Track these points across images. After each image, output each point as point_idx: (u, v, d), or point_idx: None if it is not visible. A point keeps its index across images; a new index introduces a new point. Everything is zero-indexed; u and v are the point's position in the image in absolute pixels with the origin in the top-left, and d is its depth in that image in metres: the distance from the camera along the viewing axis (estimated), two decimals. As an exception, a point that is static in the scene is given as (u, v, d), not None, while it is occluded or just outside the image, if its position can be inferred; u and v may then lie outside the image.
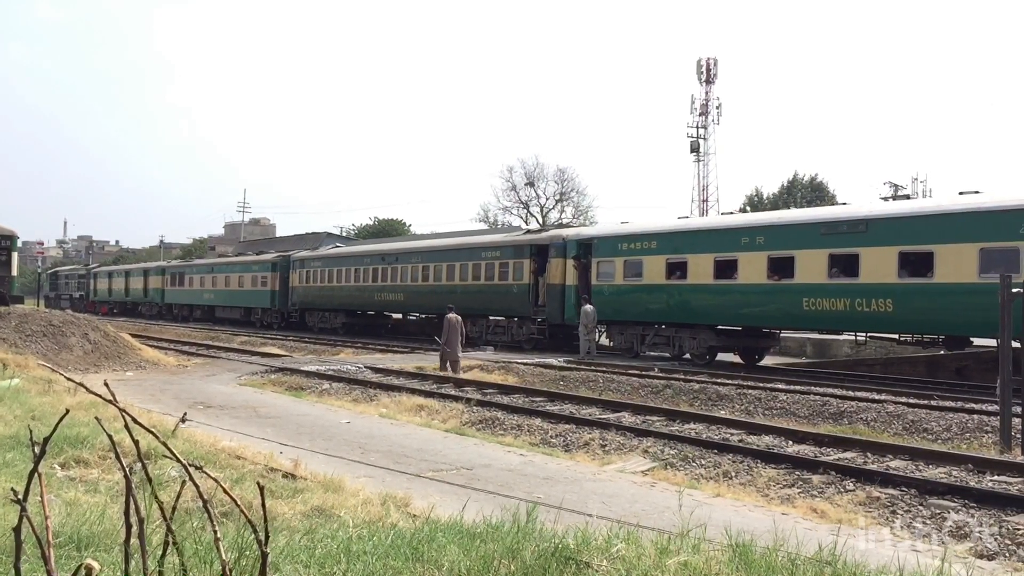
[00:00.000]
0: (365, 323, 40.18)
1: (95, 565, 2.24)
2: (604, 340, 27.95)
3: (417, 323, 39.52)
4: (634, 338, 25.80)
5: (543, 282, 28.76)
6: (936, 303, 18.73)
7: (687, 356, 24.27)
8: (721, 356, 24.94)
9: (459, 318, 22.34)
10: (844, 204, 23.55)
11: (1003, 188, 20.59)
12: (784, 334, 28.70)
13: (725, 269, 23.07)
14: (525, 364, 22.32)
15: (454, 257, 33.35)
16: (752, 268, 22.29)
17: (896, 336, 21.27)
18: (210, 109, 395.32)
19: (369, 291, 38.04)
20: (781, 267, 21.75)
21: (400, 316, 40.80)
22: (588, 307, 25.03)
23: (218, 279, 51.00)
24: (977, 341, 20.14)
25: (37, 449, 2.35)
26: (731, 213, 25.08)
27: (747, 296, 22.49)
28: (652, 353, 25.46)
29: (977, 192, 19.72)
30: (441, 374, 20.55)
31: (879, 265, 19.58)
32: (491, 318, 31.44)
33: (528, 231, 33.90)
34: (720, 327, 23.80)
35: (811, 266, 20.99)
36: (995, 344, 19.32)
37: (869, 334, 21.82)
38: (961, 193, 20.14)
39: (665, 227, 26.60)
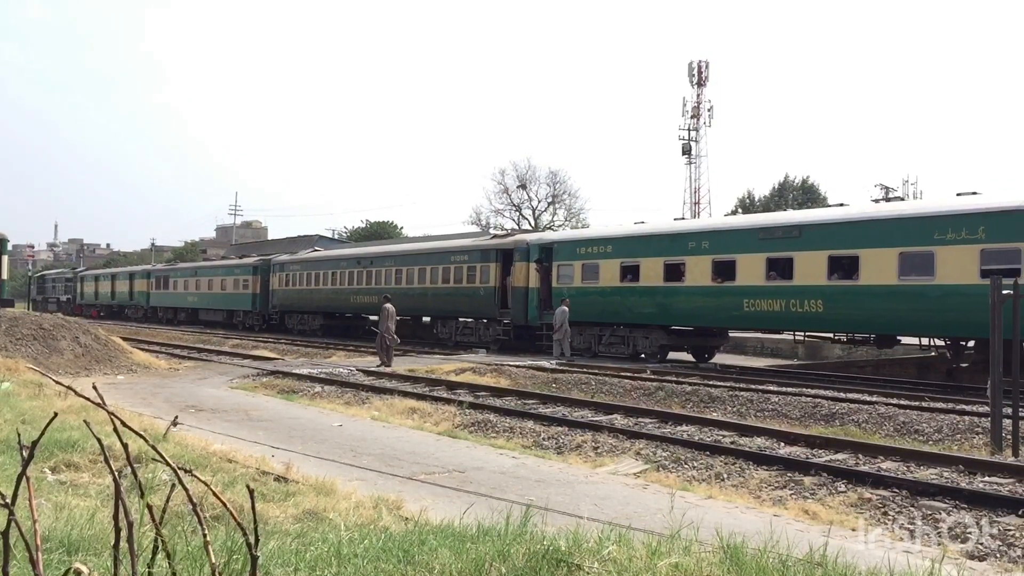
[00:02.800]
0: (343, 325, 40.98)
1: (84, 569, 2.23)
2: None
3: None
4: (592, 338, 26.66)
5: (509, 285, 29.57)
6: (861, 304, 19.97)
7: (642, 355, 25.17)
8: (677, 355, 26.14)
9: (393, 308, 23.70)
10: (782, 211, 24.96)
11: (923, 196, 22.98)
12: (776, 336, 29.34)
13: (674, 272, 24.29)
14: (517, 367, 22.31)
15: (425, 261, 34.43)
16: (698, 271, 23.51)
17: (831, 335, 22.45)
18: (202, 111, 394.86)
19: (345, 294, 38.87)
20: (724, 270, 22.88)
21: (376, 318, 41.31)
22: (561, 307, 25.21)
23: (201, 282, 51.94)
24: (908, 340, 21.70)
25: (26, 453, 2.34)
26: (683, 219, 26.34)
27: (693, 298, 23.69)
28: (608, 353, 26.34)
29: (901, 199, 20.45)
30: (393, 373, 21.21)
31: (811, 268, 20.80)
32: (460, 319, 32.63)
33: (495, 236, 34.79)
34: (670, 327, 24.93)
35: (751, 269, 22.21)
36: (918, 343, 21.12)
37: (803, 333, 23.02)
38: (887, 200, 21.24)
39: (619, 232, 28.14)
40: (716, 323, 24.28)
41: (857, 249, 20.02)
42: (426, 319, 36.06)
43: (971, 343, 19.78)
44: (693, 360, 25.79)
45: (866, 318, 20.19)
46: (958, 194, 19.46)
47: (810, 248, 20.94)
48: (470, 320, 32.25)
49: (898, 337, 21.20)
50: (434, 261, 33.86)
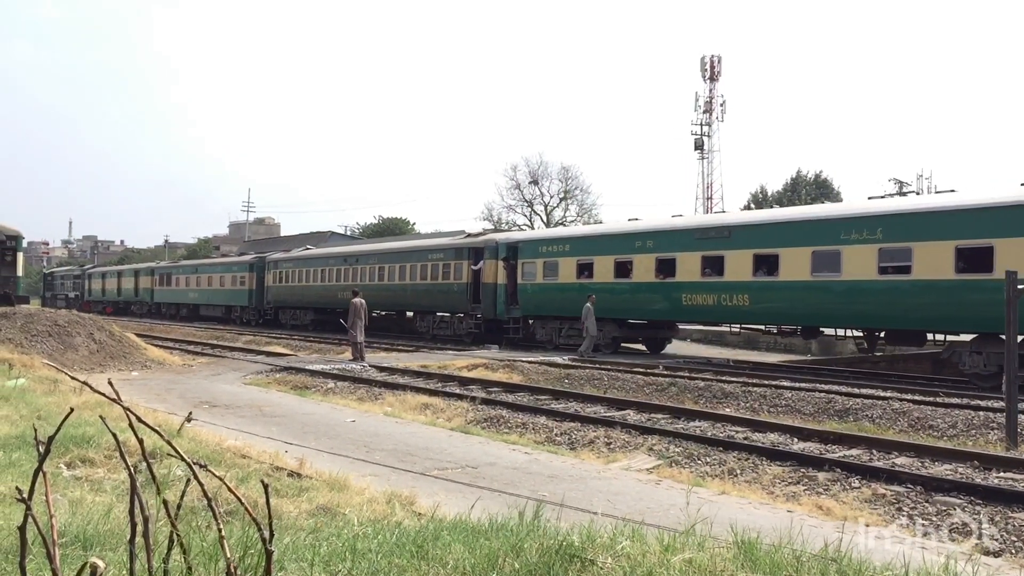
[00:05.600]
0: (333, 320, 42.32)
1: (100, 564, 2.24)
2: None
3: (377, 319, 41.92)
4: (553, 331, 28.63)
5: (481, 281, 31.43)
6: (781, 298, 21.97)
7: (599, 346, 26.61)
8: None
9: (363, 302, 23.97)
10: (718, 212, 27.39)
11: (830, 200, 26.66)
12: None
13: (623, 269, 26.25)
14: (529, 362, 22.32)
15: (405, 259, 36.60)
16: (644, 268, 25.55)
17: (762, 327, 24.37)
18: (216, 108, 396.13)
19: (333, 290, 40.80)
20: (666, 267, 24.93)
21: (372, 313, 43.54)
22: (586, 305, 25.23)
23: (202, 279, 54.22)
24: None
25: (42, 448, 2.36)
26: (635, 219, 28.83)
27: (639, 293, 25.64)
28: (567, 344, 27.82)
29: (823, 203, 23.60)
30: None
31: (739, 265, 22.82)
32: (438, 314, 34.68)
33: (468, 235, 36.36)
34: (621, 320, 26.91)
35: (688, 266, 24.24)
36: (834, 333, 23.25)
37: (735, 326, 25.36)
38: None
39: (576, 232, 31.29)
40: (660, 316, 26.05)
41: (777, 248, 21.96)
42: (409, 314, 38.21)
43: (882, 334, 21.58)
44: (647, 350, 28.07)
45: (786, 311, 22.17)
46: (869, 198, 21.71)
47: (738, 247, 22.90)
48: (446, 315, 34.05)
49: (821, 328, 23.06)
50: (413, 259, 35.86)
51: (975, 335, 18.38)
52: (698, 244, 24.09)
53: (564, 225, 64.02)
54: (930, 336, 20.16)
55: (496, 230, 39.52)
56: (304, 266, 43.94)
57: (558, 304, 28.25)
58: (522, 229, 63.82)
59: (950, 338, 19.35)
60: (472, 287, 31.82)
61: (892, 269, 19.48)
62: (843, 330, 22.59)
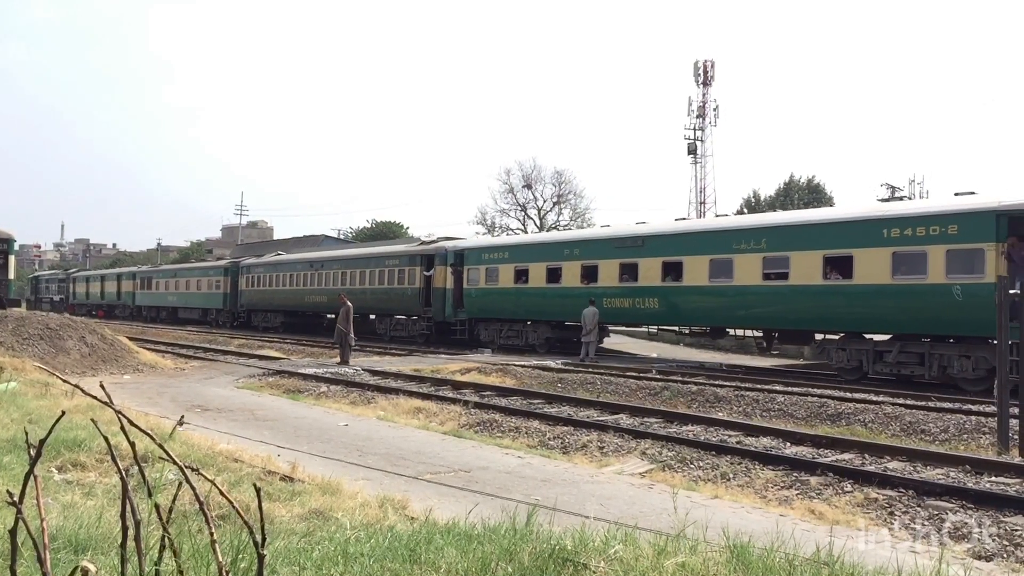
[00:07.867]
0: (301, 322, 44.56)
1: (91, 567, 2.23)
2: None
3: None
4: (494, 332, 30.64)
5: (432, 286, 33.75)
6: (685, 301, 24.20)
7: (535, 347, 28.72)
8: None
9: (350, 306, 24.84)
10: (640, 223, 28.88)
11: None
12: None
13: (554, 275, 28.47)
14: (523, 366, 22.31)
15: (364, 264, 39.01)
16: (571, 274, 27.73)
17: (675, 328, 26.81)
18: (209, 111, 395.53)
19: (301, 294, 43.10)
20: (590, 273, 27.15)
21: (333, 316, 44.42)
22: (590, 308, 25.23)
23: (180, 283, 56.34)
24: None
25: (33, 452, 2.34)
26: (558, 229, 30.88)
27: (568, 298, 27.23)
28: (508, 344, 29.82)
29: (727, 215, 27.35)
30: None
31: (651, 272, 25.00)
32: (395, 317, 37.08)
33: (421, 242, 38.57)
34: (557, 322, 28.83)
35: (608, 273, 26.38)
36: (739, 332, 25.45)
37: (649, 327, 28.00)
38: (717, 215, 27.24)
39: (514, 241, 34.64)
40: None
41: (681, 256, 24.14)
42: (372, 316, 39.88)
43: (776, 334, 23.87)
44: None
45: (689, 313, 24.39)
46: (809, 210, 24.62)
47: (650, 255, 25.08)
48: (402, 317, 36.51)
49: (727, 329, 25.14)
50: (372, 265, 38.21)
51: (841, 334, 20.62)
52: (617, 252, 26.24)
53: (558, 229, 64.04)
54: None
55: (449, 238, 40.13)
56: (274, 271, 46.12)
57: (499, 307, 30.50)
58: (516, 233, 63.81)
59: (829, 336, 21.41)
60: (424, 291, 34.01)
61: (774, 275, 21.62)
62: (745, 330, 24.80)
